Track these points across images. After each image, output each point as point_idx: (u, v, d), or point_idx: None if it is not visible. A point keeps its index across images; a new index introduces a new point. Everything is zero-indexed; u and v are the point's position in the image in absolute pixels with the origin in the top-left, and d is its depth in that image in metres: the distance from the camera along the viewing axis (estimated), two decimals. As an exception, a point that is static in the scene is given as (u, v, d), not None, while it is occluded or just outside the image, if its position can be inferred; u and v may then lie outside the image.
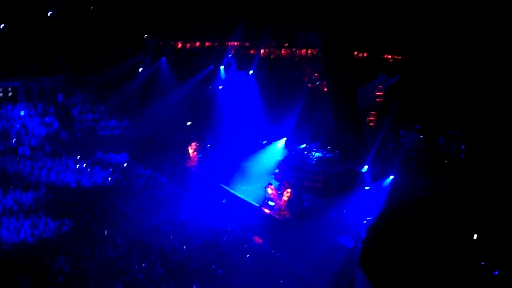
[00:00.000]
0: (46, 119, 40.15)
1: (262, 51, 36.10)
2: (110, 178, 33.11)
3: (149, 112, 40.86)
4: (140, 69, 42.44)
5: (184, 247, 24.33)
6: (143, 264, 22.51)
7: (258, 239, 26.19)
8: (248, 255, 24.00)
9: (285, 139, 33.14)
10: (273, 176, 30.00)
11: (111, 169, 34.64)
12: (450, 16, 24.23)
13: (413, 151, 28.48)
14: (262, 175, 30.53)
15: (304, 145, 31.83)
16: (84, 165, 35.11)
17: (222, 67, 38.81)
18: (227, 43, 38.10)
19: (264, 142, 33.95)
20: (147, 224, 26.62)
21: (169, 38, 41.10)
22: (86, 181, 32.27)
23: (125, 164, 35.94)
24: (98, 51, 41.22)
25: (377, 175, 27.32)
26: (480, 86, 23.16)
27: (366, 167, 26.85)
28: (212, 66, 39.37)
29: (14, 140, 37.45)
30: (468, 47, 23.27)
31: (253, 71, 36.61)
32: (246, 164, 32.09)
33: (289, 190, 26.74)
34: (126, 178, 33.39)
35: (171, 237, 25.32)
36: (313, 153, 31.11)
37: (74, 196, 29.96)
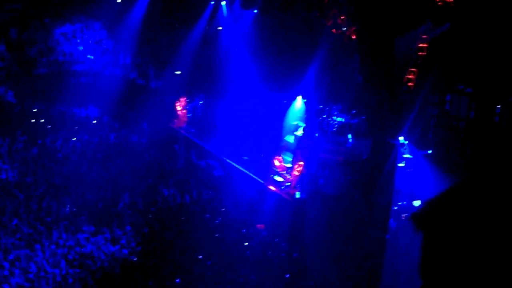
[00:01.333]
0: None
1: (275, -17, 35.44)
2: (75, 139, 32.81)
3: (127, 56, 40.35)
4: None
5: (168, 232, 24.25)
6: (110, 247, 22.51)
7: (260, 225, 26.05)
8: (246, 243, 23.96)
9: (300, 98, 32.73)
10: (283, 145, 29.74)
11: (76, 127, 34.32)
12: None
13: (462, 120, 28.10)
14: (268, 143, 30.27)
15: (322, 107, 31.50)
16: (42, 120, 34.78)
17: (223, 3, 38.19)
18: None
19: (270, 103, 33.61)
20: (121, 202, 26.47)
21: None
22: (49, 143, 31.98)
23: (94, 121, 35.62)
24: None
25: (415, 149, 27.02)
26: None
27: (401, 138, 26.54)
28: (213, 2, 38.72)
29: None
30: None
31: (261, 10, 35.99)
32: (248, 129, 31.77)
33: (301, 163, 26.48)
34: (96, 140, 33.11)
35: (150, 216, 25.22)
36: (334, 117, 30.79)
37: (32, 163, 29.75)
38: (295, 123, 31.78)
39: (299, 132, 30.66)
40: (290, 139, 30.81)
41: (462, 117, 28.13)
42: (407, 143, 26.50)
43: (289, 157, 28.24)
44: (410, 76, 29.19)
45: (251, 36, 36.13)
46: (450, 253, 2.41)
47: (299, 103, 32.78)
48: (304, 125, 31.11)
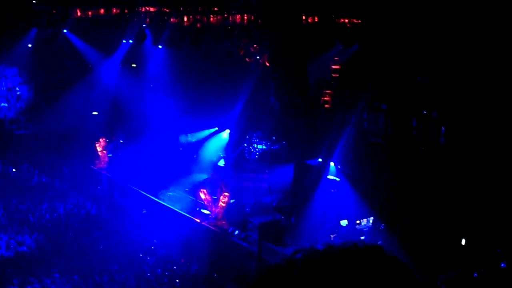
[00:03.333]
0: None
1: (185, 18, 35.14)
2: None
3: (41, 99, 39.33)
4: (29, 45, 40.57)
5: (96, 277, 23.36)
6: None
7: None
8: (177, 281, 23.35)
9: (216, 129, 32.50)
10: (207, 177, 29.27)
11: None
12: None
13: (380, 137, 28.19)
14: (192, 177, 29.79)
15: (242, 136, 31.29)
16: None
17: (130, 41, 37.61)
18: (140, 9, 36.85)
19: (188, 136, 33.24)
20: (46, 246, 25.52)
21: (65, 3, 39.26)
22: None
23: (13, 170, 34.42)
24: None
25: (336, 170, 26.89)
26: (463, 54, 22.88)
27: (319, 160, 26.41)
28: (128, 41, 38.02)
29: None
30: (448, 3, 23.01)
31: (174, 45, 35.64)
32: (170, 164, 31.25)
33: (226, 194, 26.02)
34: (17, 188, 31.98)
35: (75, 264, 24.28)
36: (255, 145, 30.53)
37: None
38: (219, 154, 31.53)
39: (221, 163, 30.32)
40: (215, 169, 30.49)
41: (380, 134, 28.24)
42: (328, 164, 26.39)
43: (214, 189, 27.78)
44: (326, 98, 29.19)
45: (166, 71, 35.70)
46: None
47: (226, 134, 32.58)
48: (225, 155, 30.81)
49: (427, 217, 23.29)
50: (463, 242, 21.42)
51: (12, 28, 38.97)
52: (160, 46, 36.25)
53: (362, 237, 23.55)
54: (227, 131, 32.49)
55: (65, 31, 39.32)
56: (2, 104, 39.89)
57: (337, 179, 26.27)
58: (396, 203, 24.22)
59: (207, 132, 33.56)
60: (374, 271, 1.95)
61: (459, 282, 19.88)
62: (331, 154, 26.63)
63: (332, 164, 26.34)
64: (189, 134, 34.15)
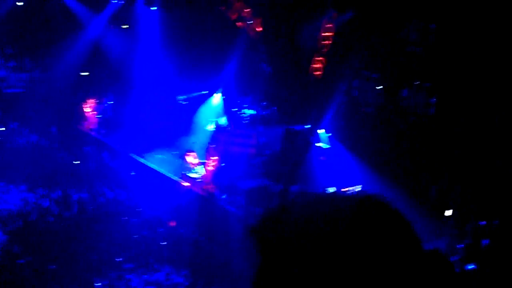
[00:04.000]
0: None
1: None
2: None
3: (26, 58, 38.92)
4: (18, 3, 39.95)
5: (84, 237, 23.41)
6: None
7: (172, 223, 25.49)
8: (165, 243, 23.40)
9: (207, 92, 32.27)
10: (196, 141, 29.16)
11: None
12: None
13: (370, 106, 28.04)
14: (180, 140, 29.66)
15: (233, 100, 31.10)
16: None
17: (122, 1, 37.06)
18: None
19: (182, 98, 32.95)
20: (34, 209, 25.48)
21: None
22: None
23: (2, 129, 34.13)
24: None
25: (327, 137, 26.86)
26: (457, 21, 22.68)
27: (308, 126, 26.35)
28: (119, 0, 37.45)
29: None
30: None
31: (165, 6, 35.17)
32: (160, 127, 31.06)
33: (215, 158, 25.98)
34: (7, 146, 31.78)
35: (62, 225, 24.28)
36: (245, 110, 30.37)
37: None
38: (212, 118, 31.35)
39: (211, 127, 30.16)
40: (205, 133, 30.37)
41: (370, 103, 28.08)
42: (326, 133, 26.39)
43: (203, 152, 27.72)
44: (317, 65, 28.94)
45: (158, 33, 35.28)
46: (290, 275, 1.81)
47: (217, 98, 32.33)
48: (217, 119, 30.65)
49: (414, 187, 23.36)
50: (448, 213, 21.44)
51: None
52: (155, 8, 35.72)
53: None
54: (219, 95, 32.21)
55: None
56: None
57: (327, 146, 26.23)
58: (385, 173, 24.24)
59: (197, 94, 33.30)
60: (375, 216, 1.93)
61: (444, 253, 19.95)
62: (321, 121, 26.59)
63: (323, 131, 26.27)
64: (179, 96, 33.87)
